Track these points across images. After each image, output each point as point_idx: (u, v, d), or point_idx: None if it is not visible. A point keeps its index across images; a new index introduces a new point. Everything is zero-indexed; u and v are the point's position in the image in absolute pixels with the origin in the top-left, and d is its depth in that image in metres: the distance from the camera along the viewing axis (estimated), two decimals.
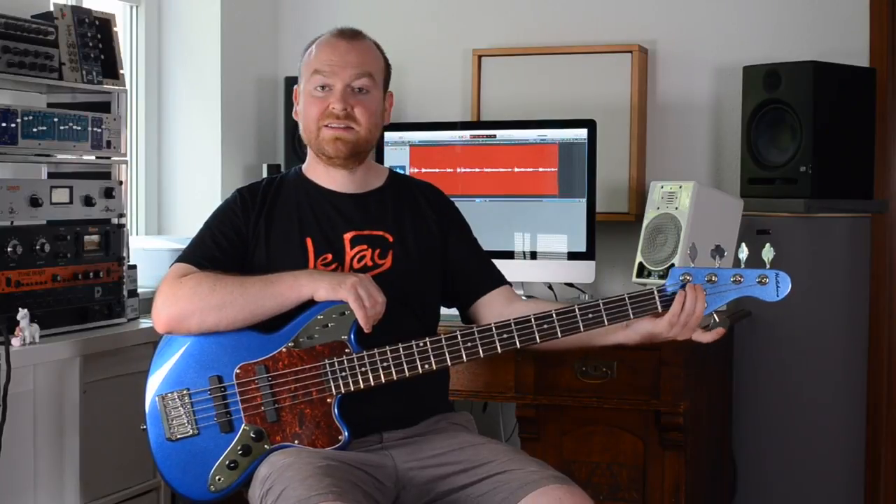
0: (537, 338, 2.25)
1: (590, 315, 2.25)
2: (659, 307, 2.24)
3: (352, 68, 2.41)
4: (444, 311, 2.59)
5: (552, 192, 3.46)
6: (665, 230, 3.27)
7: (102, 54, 3.03)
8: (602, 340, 2.38)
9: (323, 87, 2.41)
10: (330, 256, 2.39)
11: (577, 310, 2.25)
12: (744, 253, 2.21)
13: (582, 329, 2.25)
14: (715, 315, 2.25)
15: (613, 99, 3.72)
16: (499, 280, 2.54)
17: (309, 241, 2.40)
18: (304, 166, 2.53)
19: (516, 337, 2.26)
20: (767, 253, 2.20)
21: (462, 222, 2.59)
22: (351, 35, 2.47)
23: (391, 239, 2.43)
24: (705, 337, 2.28)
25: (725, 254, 2.24)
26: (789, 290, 2.21)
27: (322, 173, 2.48)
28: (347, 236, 2.41)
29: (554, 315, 2.25)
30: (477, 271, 2.54)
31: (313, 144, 2.45)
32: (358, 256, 2.40)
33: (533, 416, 3.12)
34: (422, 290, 2.46)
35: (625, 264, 3.64)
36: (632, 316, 2.25)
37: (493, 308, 2.48)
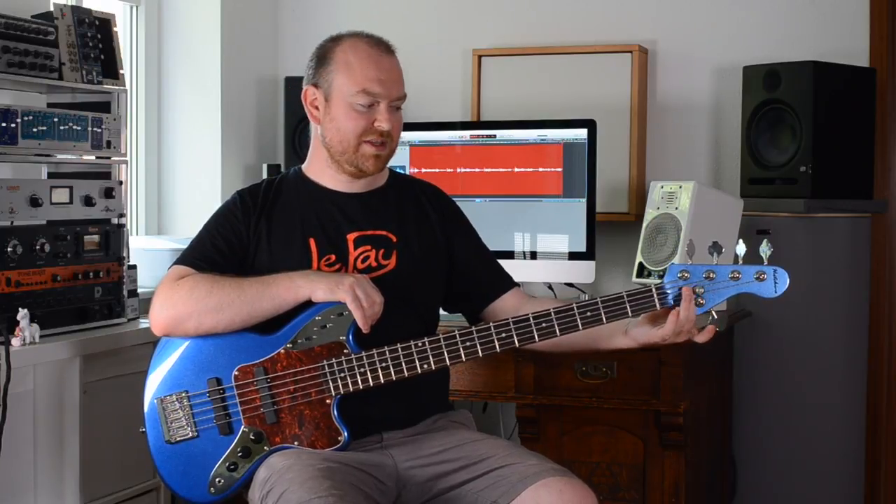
0: (536, 336, 2.25)
1: (588, 313, 2.24)
2: (657, 305, 2.24)
3: (397, 87, 2.40)
4: (443, 311, 2.59)
5: (556, 191, 3.45)
6: (665, 230, 3.27)
7: (102, 54, 3.02)
8: (601, 345, 2.38)
9: (368, 104, 2.37)
10: (333, 257, 2.39)
11: (575, 308, 2.25)
12: (741, 249, 2.20)
13: (581, 327, 2.25)
14: (713, 312, 2.25)
15: (613, 99, 3.72)
16: (509, 283, 2.54)
17: (312, 242, 2.39)
18: (304, 166, 2.52)
19: (515, 336, 2.25)
20: (765, 249, 2.19)
21: (466, 224, 2.58)
22: (387, 49, 2.44)
23: (395, 239, 2.43)
24: (701, 337, 2.28)
25: (723, 250, 2.23)
26: (787, 285, 2.20)
27: (326, 174, 2.46)
28: (351, 237, 2.41)
29: (552, 313, 2.25)
30: (487, 275, 2.54)
31: (347, 157, 2.40)
32: (362, 257, 2.40)
33: (533, 416, 3.12)
34: (425, 291, 2.46)
35: (625, 264, 3.64)
36: (630, 314, 2.25)
37: (506, 311, 2.46)
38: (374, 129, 2.38)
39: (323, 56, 2.43)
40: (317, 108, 2.44)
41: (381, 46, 2.43)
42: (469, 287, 2.52)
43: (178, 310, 2.27)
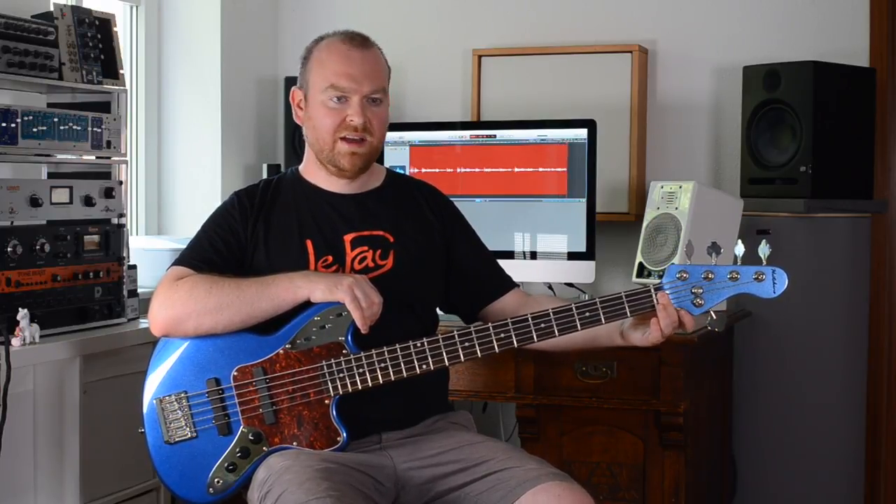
0: (535, 337, 2.25)
1: (587, 314, 2.24)
2: (656, 305, 2.24)
3: (369, 82, 2.38)
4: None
5: (560, 191, 3.45)
6: (665, 230, 3.27)
7: (102, 54, 3.02)
8: (602, 343, 2.38)
9: (339, 98, 2.38)
10: (331, 258, 2.39)
11: (574, 309, 2.25)
12: (740, 250, 2.20)
13: (579, 328, 2.25)
14: (712, 313, 2.24)
15: (613, 99, 3.72)
16: (509, 283, 2.54)
17: (309, 244, 2.39)
18: (300, 167, 2.52)
19: (514, 336, 2.25)
20: (764, 249, 2.19)
21: (465, 224, 2.58)
22: (361, 43, 2.42)
23: (392, 239, 2.42)
24: (686, 326, 2.25)
25: (722, 251, 2.23)
26: (786, 286, 2.20)
27: (322, 176, 2.46)
28: (348, 238, 2.41)
29: (551, 314, 2.25)
30: (487, 276, 2.54)
31: (325, 156, 2.41)
32: (359, 258, 2.40)
33: (533, 416, 3.12)
34: (424, 291, 2.46)
35: (625, 264, 3.64)
36: (629, 314, 2.25)
37: (505, 312, 2.45)
38: (347, 124, 2.37)
39: (305, 57, 2.45)
40: (301, 108, 2.45)
41: (355, 41, 2.42)
42: (469, 288, 2.51)
43: (178, 310, 2.27)
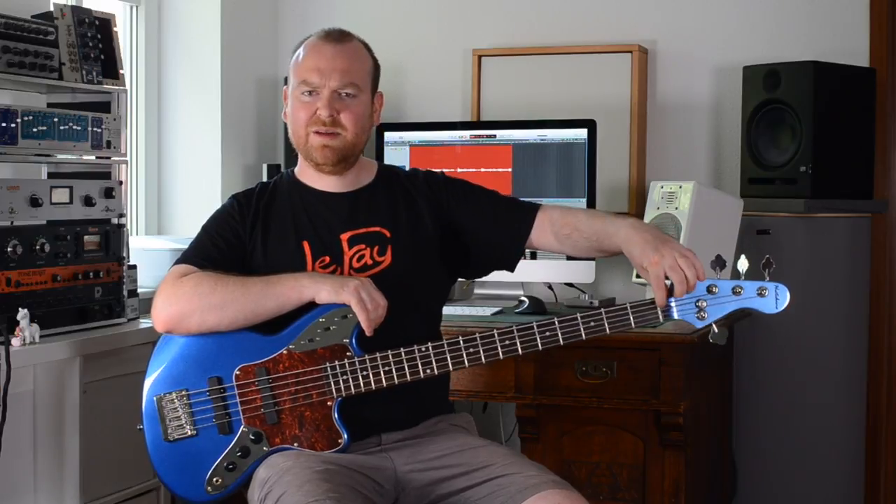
0: (539, 345, 2.24)
1: (592, 323, 2.24)
2: (660, 317, 2.24)
3: (338, 75, 2.38)
4: (445, 311, 2.58)
5: (560, 192, 3.47)
6: (665, 230, 3.26)
7: (102, 54, 3.02)
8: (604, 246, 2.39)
9: (310, 93, 2.39)
10: (328, 258, 2.38)
11: (579, 318, 2.25)
12: (744, 265, 2.24)
13: (584, 336, 2.24)
14: (714, 326, 2.26)
15: (613, 99, 3.72)
16: (531, 212, 2.47)
17: (306, 245, 2.39)
18: (296, 169, 2.52)
19: (518, 344, 2.25)
20: (766, 265, 2.22)
21: (460, 188, 2.52)
22: (337, 38, 2.43)
23: (388, 234, 2.42)
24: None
25: (726, 265, 2.25)
26: (788, 302, 2.24)
27: (313, 175, 2.47)
28: (344, 237, 2.40)
29: (556, 322, 2.25)
30: (510, 216, 2.48)
31: (302, 149, 2.44)
32: (357, 256, 2.39)
33: (533, 416, 3.12)
34: (425, 285, 2.45)
35: (625, 264, 3.62)
36: (633, 325, 2.25)
37: (546, 233, 2.44)
38: (317, 117, 2.38)
39: (292, 56, 2.47)
40: (286, 105, 2.48)
41: (331, 36, 2.43)
42: (501, 238, 2.47)
43: (182, 306, 2.26)
